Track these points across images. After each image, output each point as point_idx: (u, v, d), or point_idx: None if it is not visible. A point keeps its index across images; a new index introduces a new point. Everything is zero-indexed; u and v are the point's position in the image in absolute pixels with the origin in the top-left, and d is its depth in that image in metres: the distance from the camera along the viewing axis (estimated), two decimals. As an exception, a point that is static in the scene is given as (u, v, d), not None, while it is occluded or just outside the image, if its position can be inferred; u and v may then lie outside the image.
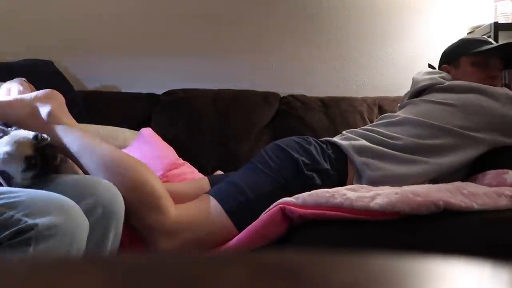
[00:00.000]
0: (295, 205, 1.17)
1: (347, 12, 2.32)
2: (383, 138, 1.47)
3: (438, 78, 1.60)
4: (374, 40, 2.32)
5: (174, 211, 1.25)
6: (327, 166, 1.40)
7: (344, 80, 2.33)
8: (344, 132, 1.57)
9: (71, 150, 1.23)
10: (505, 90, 1.52)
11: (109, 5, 2.27)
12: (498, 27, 2.04)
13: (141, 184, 1.23)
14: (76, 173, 1.22)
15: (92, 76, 2.25)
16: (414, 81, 1.67)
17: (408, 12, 2.31)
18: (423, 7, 2.31)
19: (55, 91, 1.34)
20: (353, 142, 1.46)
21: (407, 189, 1.22)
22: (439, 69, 1.71)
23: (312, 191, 1.23)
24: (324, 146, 1.46)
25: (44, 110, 1.28)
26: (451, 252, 1.10)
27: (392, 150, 1.44)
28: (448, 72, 1.66)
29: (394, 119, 1.54)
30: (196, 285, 0.25)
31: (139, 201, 1.22)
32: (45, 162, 1.13)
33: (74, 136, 1.25)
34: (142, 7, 2.28)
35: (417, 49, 2.32)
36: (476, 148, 1.47)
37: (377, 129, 1.53)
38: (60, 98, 1.33)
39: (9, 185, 1.08)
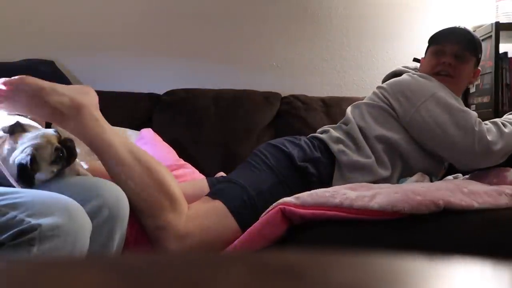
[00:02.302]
0: (294, 205, 1.17)
1: (348, 12, 2.32)
2: (346, 126, 1.58)
3: (402, 67, 1.73)
4: (375, 40, 2.32)
5: (186, 213, 1.27)
6: (318, 154, 1.48)
7: (345, 80, 2.33)
8: (320, 129, 1.66)
9: (96, 143, 1.23)
10: (434, 90, 1.52)
11: (110, 5, 2.27)
12: (499, 27, 2.03)
13: (161, 183, 1.24)
14: (78, 173, 1.22)
15: (93, 76, 2.25)
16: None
17: (409, 12, 2.31)
18: (424, 7, 2.31)
19: (91, 89, 1.33)
20: (330, 134, 1.56)
21: (407, 188, 1.22)
22: None
23: (312, 191, 1.23)
24: (312, 139, 1.55)
25: (81, 101, 1.26)
26: (452, 251, 1.10)
27: (361, 137, 1.52)
28: (421, 64, 1.72)
29: (360, 107, 1.63)
30: (197, 285, 0.25)
31: (156, 200, 1.23)
32: (69, 155, 1.14)
33: (102, 129, 1.25)
34: (143, 7, 2.28)
35: (418, 49, 2.31)
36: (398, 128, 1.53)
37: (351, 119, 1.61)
38: (95, 96, 1.32)
39: (29, 183, 1.08)
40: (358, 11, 2.31)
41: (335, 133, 1.55)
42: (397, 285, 0.26)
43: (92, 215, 1.03)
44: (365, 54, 2.32)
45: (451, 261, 0.29)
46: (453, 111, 1.47)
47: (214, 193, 1.37)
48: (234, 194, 1.34)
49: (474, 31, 2.23)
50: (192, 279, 0.26)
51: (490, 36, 2.05)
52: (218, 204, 1.32)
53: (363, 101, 1.65)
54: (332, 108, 2.07)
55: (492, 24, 2.05)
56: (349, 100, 2.11)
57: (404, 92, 1.53)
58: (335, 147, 1.50)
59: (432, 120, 1.47)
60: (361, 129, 1.54)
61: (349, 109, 1.65)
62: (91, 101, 1.28)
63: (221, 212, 1.30)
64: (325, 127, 1.64)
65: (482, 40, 2.14)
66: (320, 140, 1.54)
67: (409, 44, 2.32)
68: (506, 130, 1.45)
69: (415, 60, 1.83)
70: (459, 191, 1.20)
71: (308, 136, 1.60)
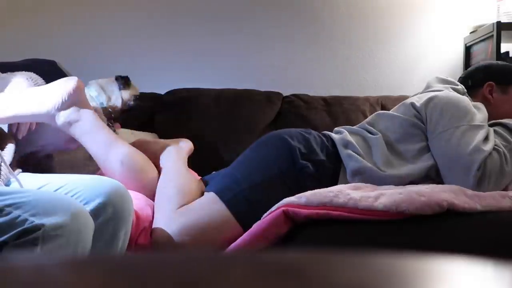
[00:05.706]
0: (298, 206, 1.17)
1: (350, 12, 2.32)
2: (370, 135, 1.48)
3: (450, 88, 1.56)
4: (376, 39, 2.32)
5: (177, 224, 1.27)
6: (323, 157, 1.41)
7: (346, 80, 2.33)
8: (337, 129, 1.58)
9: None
10: (482, 117, 1.45)
11: (111, 5, 2.28)
12: (500, 27, 2.03)
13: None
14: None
15: (94, 76, 2.25)
16: (427, 85, 1.64)
17: (410, 12, 2.31)
18: (425, 7, 2.31)
19: (62, 83, 1.31)
20: (342, 136, 1.47)
21: (411, 189, 1.22)
22: (481, 83, 1.61)
23: (315, 190, 1.22)
24: (324, 138, 1.48)
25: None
26: (454, 252, 1.10)
27: (376, 146, 1.44)
28: (491, 90, 1.59)
29: (382, 118, 1.54)
30: (197, 285, 0.25)
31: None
32: None
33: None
34: (145, 6, 2.29)
35: (419, 48, 2.32)
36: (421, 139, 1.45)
37: (368, 126, 1.53)
38: (73, 88, 1.31)
39: None
40: (360, 11, 2.31)
41: (350, 138, 1.46)
42: (398, 285, 0.26)
43: (97, 213, 1.03)
44: (367, 54, 2.32)
45: (452, 261, 0.29)
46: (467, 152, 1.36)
47: (214, 188, 1.37)
48: (239, 200, 1.32)
49: (475, 31, 2.23)
50: (192, 279, 0.26)
51: (492, 36, 2.05)
52: (219, 207, 1.31)
53: (397, 113, 1.52)
54: (334, 107, 2.07)
55: (493, 24, 2.05)
56: (350, 100, 2.11)
57: (451, 110, 1.43)
58: (344, 151, 1.42)
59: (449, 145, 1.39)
60: (391, 145, 1.45)
61: (377, 119, 1.54)
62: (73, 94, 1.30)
63: (223, 215, 1.29)
64: (348, 137, 1.49)
65: (483, 40, 2.14)
66: (332, 140, 1.47)
67: (410, 44, 2.32)
68: (507, 168, 1.36)
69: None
70: (463, 193, 1.20)
71: (322, 132, 1.52)
